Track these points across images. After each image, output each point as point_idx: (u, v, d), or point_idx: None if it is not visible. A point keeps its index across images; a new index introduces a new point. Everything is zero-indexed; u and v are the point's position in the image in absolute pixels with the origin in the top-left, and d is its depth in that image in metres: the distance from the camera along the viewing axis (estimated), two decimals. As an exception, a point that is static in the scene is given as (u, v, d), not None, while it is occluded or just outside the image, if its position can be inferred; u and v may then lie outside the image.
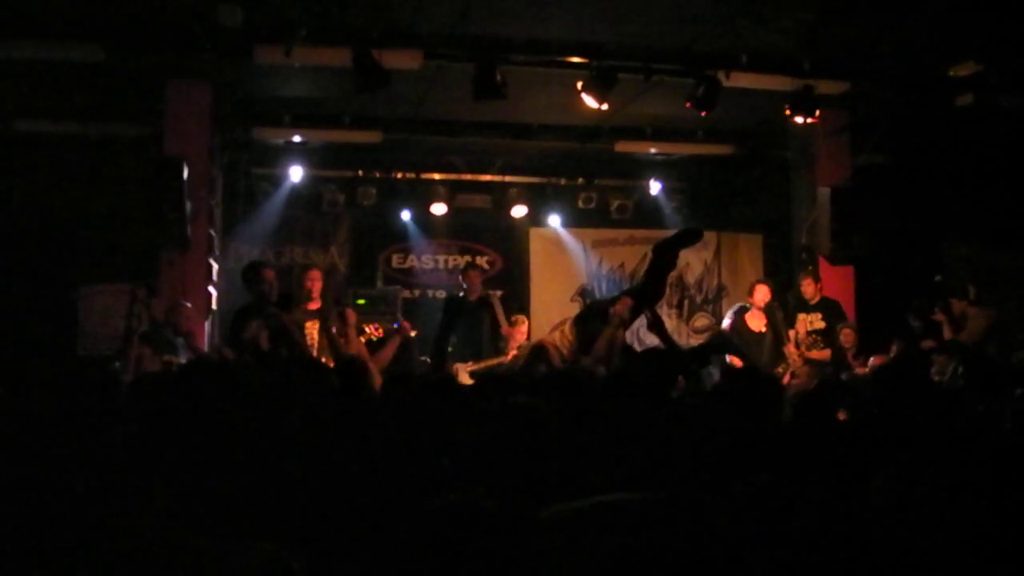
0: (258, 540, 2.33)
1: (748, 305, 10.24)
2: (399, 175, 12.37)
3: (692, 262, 13.17)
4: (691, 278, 13.21)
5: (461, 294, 10.30)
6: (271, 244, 12.31)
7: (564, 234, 13.07)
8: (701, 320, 13.11)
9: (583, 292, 13.12)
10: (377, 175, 12.26)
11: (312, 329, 9.30)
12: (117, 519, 2.38)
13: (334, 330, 7.71)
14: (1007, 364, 8.15)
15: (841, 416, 4.36)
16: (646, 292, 7.46)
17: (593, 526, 2.50)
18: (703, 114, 9.16)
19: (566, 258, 13.13)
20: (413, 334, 10.83)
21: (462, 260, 12.87)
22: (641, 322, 8.03)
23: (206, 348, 9.39)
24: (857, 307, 10.55)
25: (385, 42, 8.35)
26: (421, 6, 7.98)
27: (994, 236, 11.29)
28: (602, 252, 13.16)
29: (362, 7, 8.09)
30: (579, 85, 8.79)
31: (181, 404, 3.45)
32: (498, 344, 9.97)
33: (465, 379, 9.39)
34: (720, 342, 9.83)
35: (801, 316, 10.08)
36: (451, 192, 12.43)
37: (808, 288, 10.14)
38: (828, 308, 10.04)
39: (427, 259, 13.04)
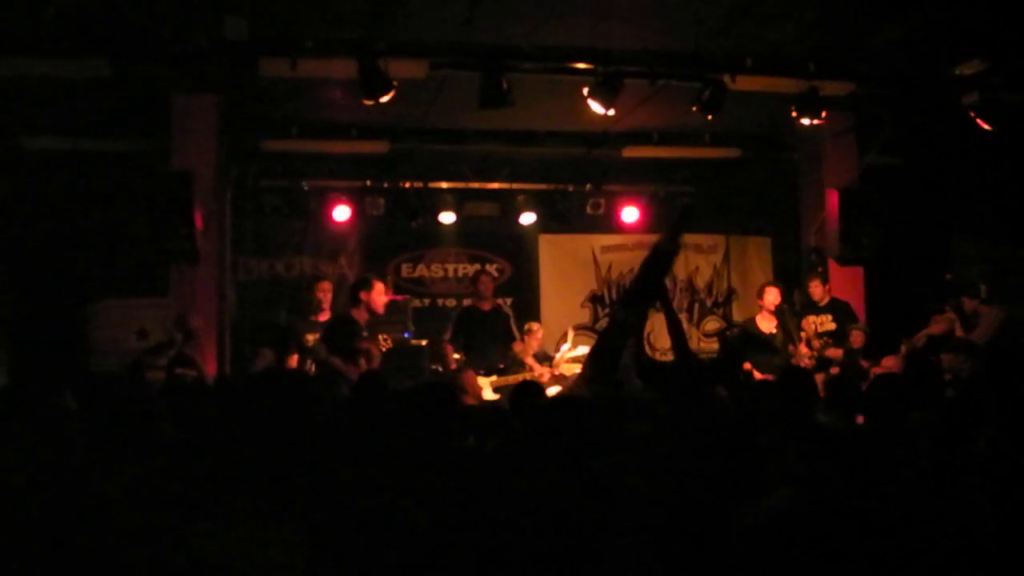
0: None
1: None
2: (407, 184, 12.38)
3: (701, 266, 13.18)
4: (701, 282, 13.21)
5: (470, 303, 10.24)
6: (280, 256, 12.34)
7: (573, 240, 13.07)
8: (711, 324, 13.09)
9: (593, 298, 13.12)
10: (385, 185, 12.27)
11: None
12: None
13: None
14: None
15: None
16: (641, 292, 7.21)
17: None
18: (709, 118, 9.15)
19: (576, 264, 13.13)
20: (424, 343, 10.92)
21: (471, 268, 12.90)
22: (651, 326, 8.01)
23: (215, 359, 9.43)
24: (867, 308, 10.53)
25: (390, 52, 8.36)
26: (426, 16, 8.00)
27: (1003, 234, 11.25)
28: (611, 258, 13.15)
29: (367, 18, 8.11)
30: (585, 91, 8.79)
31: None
32: (508, 355, 9.94)
33: (489, 394, 9.42)
34: (744, 340, 9.74)
35: (811, 318, 10.07)
36: (459, 200, 12.43)
37: (816, 290, 10.13)
38: (838, 309, 10.02)
39: (436, 268, 13.06)
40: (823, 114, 9.20)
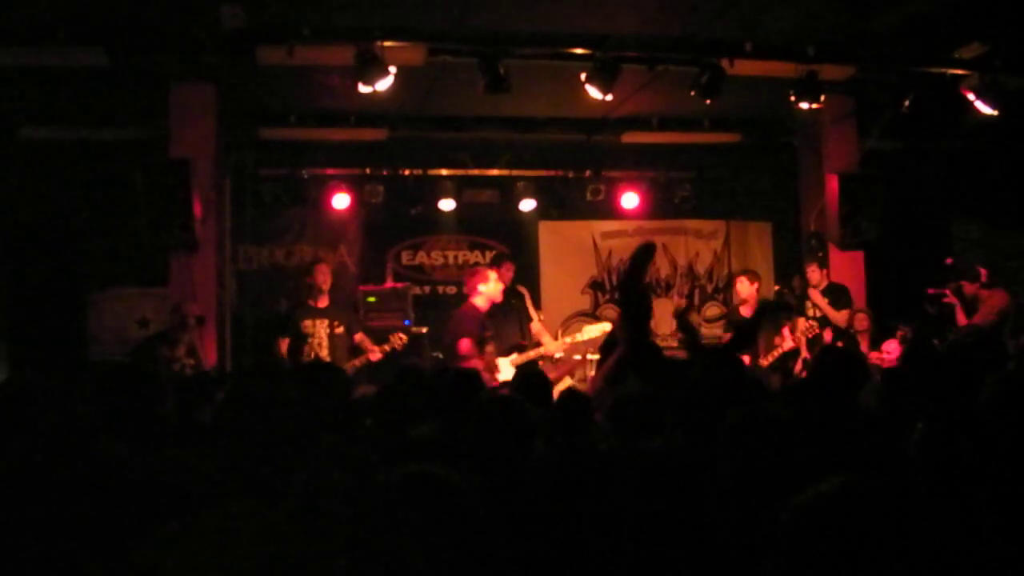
0: None
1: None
2: (406, 172, 12.36)
3: (702, 252, 13.16)
4: (701, 268, 13.20)
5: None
6: (280, 244, 12.33)
7: (573, 227, 13.06)
8: (712, 309, 13.08)
9: (593, 284, 13.12)
10: (384, 172, 12.24)
11: (319, 328, 9.37)
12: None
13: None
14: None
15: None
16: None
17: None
18: (708, 103, 9.12)
19: (576, 251, 13.12)
20: (424, 331, 10.92)
21: (471, 255, 12.87)
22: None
23: (215, 349, 9.44)
24: (868, 292, 10.53)
25: (388, 39, 8.34)
26: (423, 2, 7.98)
27: (1003, 218, 11.24)
28: (612, 244, 13.14)
29: (364, 5, 8.09)
30: (583, 77, 8.77)
31: None
32: (527, 334, 9.92)
33: (507, 372, 9.36)
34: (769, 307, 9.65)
35: (808, 303, 10.06)
36: (458, 187, 12.40)
37: (814, 274, 10.12)
38: (835, 293, 10.01)
39: (436, 255, 13.04)
40: (822, 98, 9.17)
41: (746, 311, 9.94)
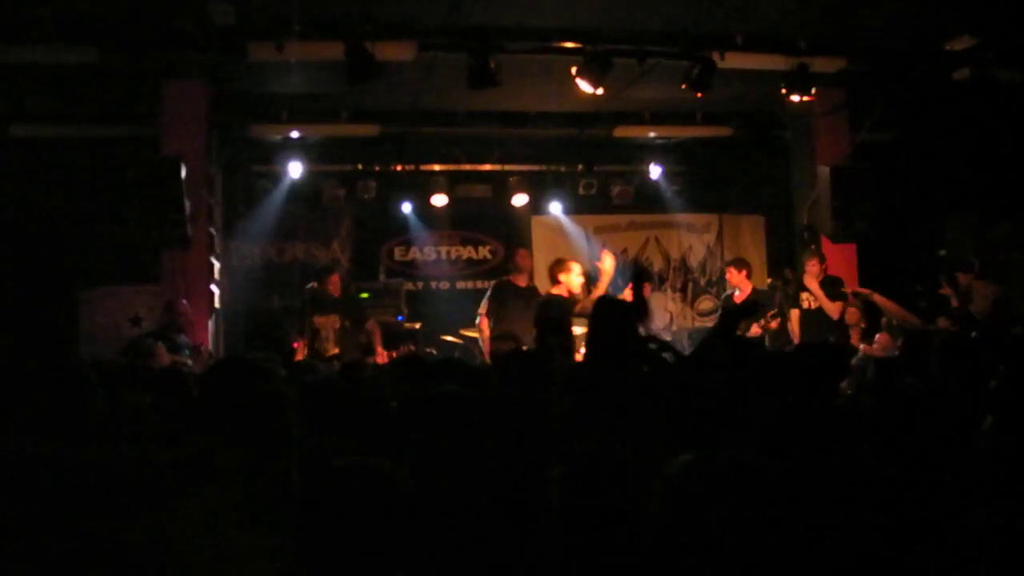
0: None
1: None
2: (398, 167, 12.36)
3: (695, 245, 13.18)
4: (694, 261, 13.21)
5: (506, 279, 9.84)
6: (273, 241, 12.32)
7: (566, 221, 13.05)
8: (705, 303, 13.10)
9: (586, 279, 13.10)
10: (376, 168, 12.24)
11: (327, 324, 9.36)
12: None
13: None
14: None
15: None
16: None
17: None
18: (699, 96, 9.13)
19: (568, 245, 13.08)
20: (418, 326, 10.92)
21: (464, 251, 12.87)
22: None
23: (210, 346, 9.43)
24: (860, 284, 10.52)
25: (378, 35, 8.33)
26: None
27: (994, 210, 11.26)
28: (604, 238, 13.13)
29: (354, 1, 8.08)
30: (573, 70, 8.76)
31: None
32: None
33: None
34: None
35: (804, 295, 10.06)
36: (451, 183, 12.40)
37: (813, 268, 10.11)
38: (832, 286, 10.01)
39: (429, 251, 13.05)
40: (813, 91, 9.18)
41: (739, 298, 9.94)
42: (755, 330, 9.49)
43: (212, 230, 10.07)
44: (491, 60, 8.45)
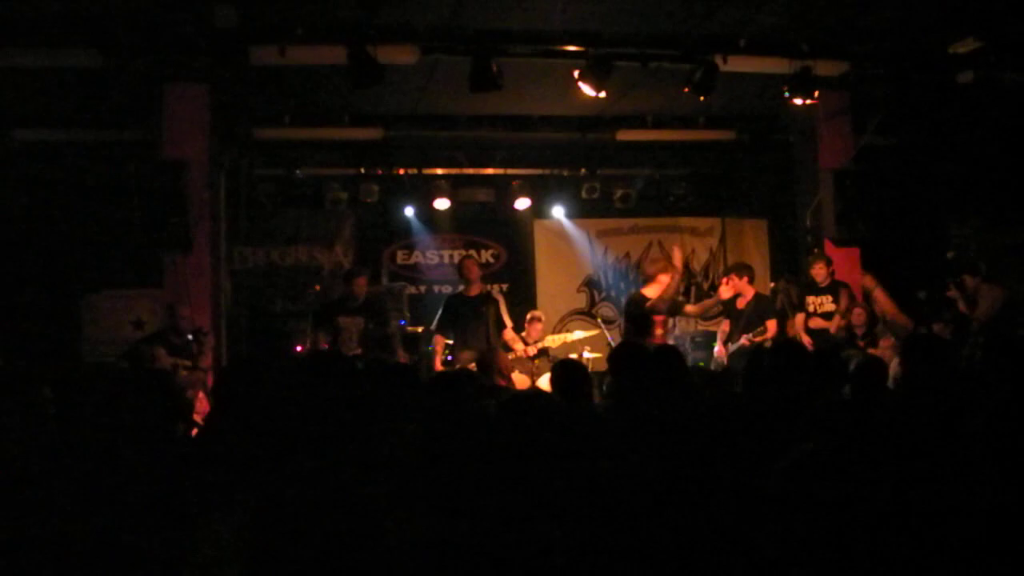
0: None
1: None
2: (401, 171, 12.36)
3: (698, 249, 13.17)
4: (697, 265, 13.20)
5: (460, 289, 9.92)
6: (275, 244, 12.31)
7: (568, 225, 13.05)
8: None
9: (589, 283, 13.11)
10: (379, 172, 12.24)
11: (351, 325, 9.35)
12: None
13: None
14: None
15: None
16: None
17: None
18: (702, 99, 9.12)
19: (571, 249, 13.11)
20: (420, 330, 10.90)
21: (466, 255, 12.86)
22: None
23: (211, 348, 9.41)
24: (863, 289, 10.52)
25: (380, 38, 8.33)
26: (415, 1, 7.97)
27: (998, 214, 11.23)
28: (607, 241, 13.15)
29: (356, 4, 8.07)
30: (576, 74, 8.76)
31: None
32: (498, 341, 9.68)
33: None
34: None
35: (810, 299, 10.04)
36: (453, 186, 12.40)
37: (819, 272, 10.09)
38: (838, 291, 10.00)
39: (432, 254, 13.03)
40: (816, 94, 9.17)
41: (741, 303, 9.91)
42: (743, 342, 9.45)
43: (215, 233, 10.05)
44: (493, 64, 8.46)
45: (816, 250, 10.52)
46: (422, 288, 12.76)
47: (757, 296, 9.63)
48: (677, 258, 9.51)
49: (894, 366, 7.93)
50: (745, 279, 9.94)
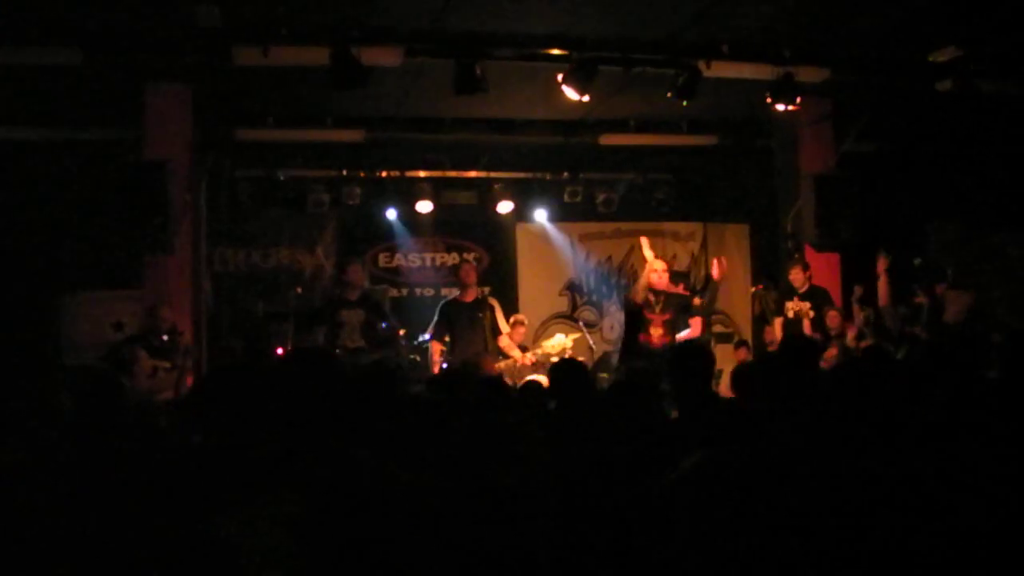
0: None
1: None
2: (384, 174, 12.34)
3: (679, 253, 13.18)
4: (678, 270, 13.20)
5: (455, 295, 9.90)
6: (257, 246, 12.27)
7: (551, 229, 13.07)
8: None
9: (571, 286, 13.12)
10: (362, 174, 12.22)
11: (352, 318, 9.32)
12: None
13: None
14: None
15: None
16: None
17: None
18: (685, 104, 9.14)
19: (553, 253, 13.12)
20: (402, 333, 10.87)
21: (449, 258, 12.85)
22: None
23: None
24: (843, 293, 10.56)
25: (364, 40, 8.31)
26: (400, 3, 7.95)
27: (979, 219, 11.31)
28: (589, 246, 13.16)
29: (340, 5, 8.05)
30: (560, 78, 8.77)
31: None
32: (494, 348, 9.68)
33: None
34: None
35: (789, 304, 10.08)
36: (436, 189, 12.40)
37: (797, 277, 10.13)
38: (816, 296, 10.04)
39: (414, 257, 13.02)
40: (798, 100, 9.20)
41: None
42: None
43: (196, 235, 10.01)
44: (477, 67, 8.45)
45: (797, 255, 10.57)
46: (404, 291, 12.75)
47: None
48: (645, 247, 9.44)
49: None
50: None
